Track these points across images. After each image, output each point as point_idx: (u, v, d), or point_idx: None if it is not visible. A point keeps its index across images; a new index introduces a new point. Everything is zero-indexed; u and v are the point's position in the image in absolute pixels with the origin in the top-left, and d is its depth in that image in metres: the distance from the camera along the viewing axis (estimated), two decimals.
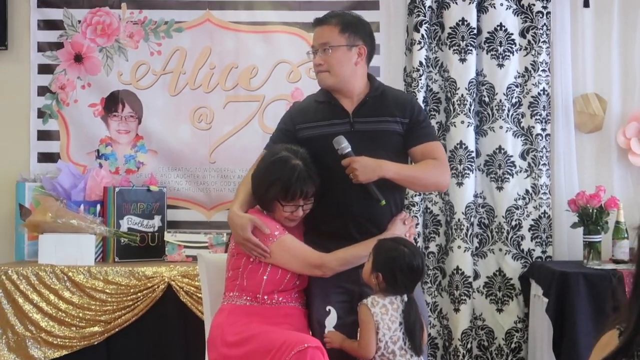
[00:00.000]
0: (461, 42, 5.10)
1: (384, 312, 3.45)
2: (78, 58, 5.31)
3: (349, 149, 3.60)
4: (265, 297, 3.64)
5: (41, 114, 5.31)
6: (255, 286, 3.65)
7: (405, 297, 3.50)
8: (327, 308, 3.62)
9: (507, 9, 5.14)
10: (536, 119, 5.11)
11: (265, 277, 3.64)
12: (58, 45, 5.32)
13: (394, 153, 3.71)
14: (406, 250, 3.49)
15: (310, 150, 3.70)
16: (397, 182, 3.68)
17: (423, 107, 5.04)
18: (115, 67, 5.31)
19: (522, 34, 5.17)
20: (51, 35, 5.32)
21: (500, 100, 5.13)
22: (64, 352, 4.66)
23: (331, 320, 3.59)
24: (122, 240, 4.99)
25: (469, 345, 5.05)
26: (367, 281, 3.54)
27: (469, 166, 5.07)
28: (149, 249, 5.07)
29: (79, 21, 5.31)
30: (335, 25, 3.74)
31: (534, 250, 5.09)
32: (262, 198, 3.69)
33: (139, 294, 4.68)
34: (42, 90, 5.31)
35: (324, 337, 3.55)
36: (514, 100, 5.14)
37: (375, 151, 3.64)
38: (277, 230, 3.65)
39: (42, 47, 5.32)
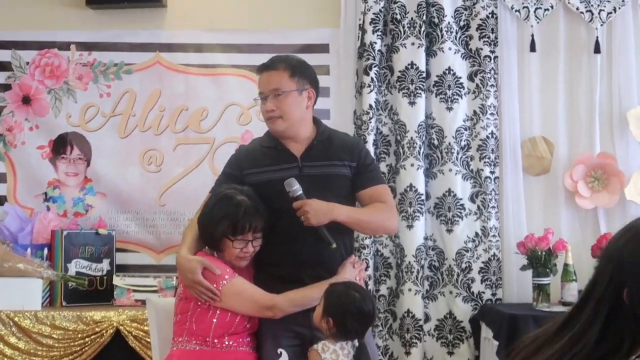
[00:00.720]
0: (410, 85, 5.14)
1: (334, 358, 3.43)
2: (26, 100, 5.26)
3: (301, 192, 3.61)
4: (216, 341, 3.62)
5: None
6: (205, 330, 3.62)
7: (356, 342, 3.49)
8: (279, 351, 3.60)
9: (455, 53, 5.19)
10: (485, 162, 5.15)
11: (214, 320, 3.62)
12: (6, 87, 5.27)
13: (343, 197, 3.73)
14: (357, 295, 3.48)
15: (259, 196, 3.70)
16: (348, 226, 3.70)
17: (373, 149, 5.08)
18: (64, 109, 5.27)
19: (471, 78, 5.22)
20: None
21: (450, 143, 5.16)
22: None
23: None
24: (70, 284, 4.92)
25: None
26: (318, 325, 3.53)
27: (419, 209, 5.09)
28: (98, 292, 5.01)
29: (27, 63, 5.27)
30: (284, 70, 3.75)
31: (484, 292, 5.11)
32: (211, 237, 3.68)
33: (87, 339, 4.61)
34: None
35: None
36: (462, 143, 5.18)
37: (324, 195, 3.65)
38: (227, 274, 3.63)
39: None
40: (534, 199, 5.27)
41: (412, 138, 5.11)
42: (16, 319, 4.61)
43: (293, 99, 3.74)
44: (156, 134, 5.29)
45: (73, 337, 4.60)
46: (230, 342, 3.64)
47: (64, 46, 5.29)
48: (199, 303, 3.63)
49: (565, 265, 4.80)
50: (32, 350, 4.58)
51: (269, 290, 3.64)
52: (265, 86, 3.77)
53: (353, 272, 3.74)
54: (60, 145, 5.27)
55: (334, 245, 3.63)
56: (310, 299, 3.59)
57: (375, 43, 5.13)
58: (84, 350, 4.60)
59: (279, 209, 3.65)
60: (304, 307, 3.62)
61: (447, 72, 5.20)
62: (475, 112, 5.20)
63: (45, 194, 5.26)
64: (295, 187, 3.62)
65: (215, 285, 3.59)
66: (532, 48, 5.22)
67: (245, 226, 3.61)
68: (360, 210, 3.78)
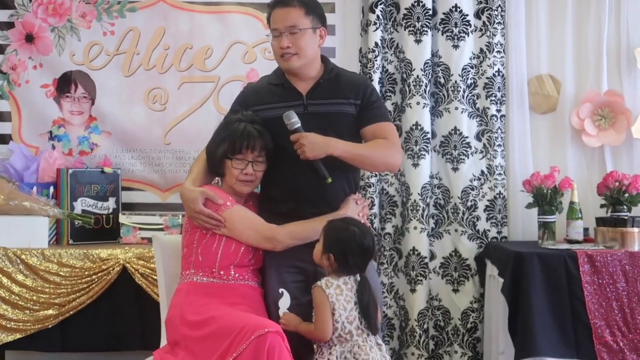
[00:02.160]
0: (417, 23, 5.10)
1: (338, 293, 3.45)
2: (29, 38, 5.23)
3: (299, 125, 3.62)
4: (222, 272, 3.65)
5: None
6: (211, 261, 3.66)
7: (358, 277, 3.50)
8: (280, 290, 3.62)
9: None
10: (491, 100, 5.13)
11: (219, 251, 3.65)
12: (9, 25, 5.23)
13: (347, 135, 3.72)
14: (356, 230, 3.50)
15: None
16: (346, 161, 3.67)
17: (378, 88, 5.07)
18: (68, 47, 5.24)
19: (477, 15, 5.18)
20: (1, 15, 5.23)
21: (456, 82, 5.14)
22: (18, 336, 4.59)
23: (284, 302, 3.59)
24: (76, 223, 4.94)
25: (425, 326, 5.06)
26: (319, 263, 3.55)
27: (425, 147, 5.08)
28: (104, 231, 5.02)
29: (30, 0, 5.22)
30: (299, 7, 3.74)
31: (489, 230, 5.12)
32: (214, 161, 3.73)
33: (94, 277, 4.62)
34: None
35: (280, 320, 3.55)
36: (469, 82, 5.16)
37: (328, 133, 3.66)
38: (229, 202, 3.67)
39: None
40: (540, 137, 5.26)
41: (418, 76, 5.08)
42: (23, 256, 4.62)
43: (308, 37, 3.73)
44: (160, 72, 5.27)
45: (80, 274, 4.62)
46: (236, 275, 3.67)
47: None
48: (204, 232, 3.68)
49: (571, 203, 4.80)
50: (40, 288, 4.60)
51: None
52: (280, 22, 3.74)
53: (356, 208, 3.74)
54: (65, 84, 5.25)
55: (329, 180, 3.63)
56: (311, 232, 3.61)
57: None
58: (91, 287, 4.62)
59: (282, 145, 3.67)
60: (304, 241, 3.64)
61: (453, 9, 5.16)
62: (481, 50, 5.17)
63: (50, 132, 5.25)
64: (293, 119, 3.62)
65: (217, 213, 3.62)
66: None
67: (242, 144, 3.65)
68: (358, 146, 3.74)
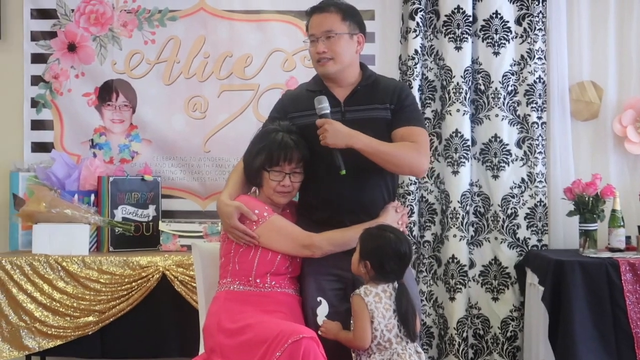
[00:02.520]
0: (457, 30, 5.08)
1: (377, 301, 3.45)
2: (71, 47, 5.28)
3: (327, 111, 3.62)
4: (258, 281, 3.66)
5: (35, 103, 5.29)
6: (247, 270, 3.67)
7: (396, 284, 3.49)
8: (318, 299, 3.61)
9: None
10: (532, 107, 5.10)
11: (256, 260, 3.66)
12: (51, 35, 5.29)
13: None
14: (392, 237, 3.49)
15: (303, 139, 3.72)
16: (367, 156, 3.61)
17: (418, 95, 5.06)
18: (109, 56, 5.29)
19: (518, 22, 5.15)
20: (44, 25, 5.29)
21: (496, 89, 5.11)
22: (58, 342, 4.65)
23: (323, 310, 3.59)
24: (117, 230, 4.97)
25: (464, 334, 5.03)
26: (356, 272, 3.55)
27: (465, 155, 5.06)
28: (144, 238, 5.05)
29: (72, 10, 5.28)
30: (336, 13, 3.75)
31: (529, 238, 5.08)
32: (251, 172, 3.74)
33: (134, 284, 4.66)
34: (36, 80, 5.29)
35: (319, 327, 3.55)
36: (509, 89, 5.13)
37: None
38: (266, 212, 3.68)
39: (35, 37, 5.29)
40: (581, 145, 5.21)
41: (458, 83, 5.06)
42: (64, 263, 4.66)
43: (345, 42, 3.74)
44: (201, 80, 5.30)
45: (120, 281, 4.65)
46: (273, 283, 3.67)
47: None
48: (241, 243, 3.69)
49: (613, 211, 4.75)
50: (80, 295, 4.64)
51: None
52: (316, 28, 3.75)
53: (395, 216, 3.73)
54: (106, 92, 5.30)
55: (344, 172, 3.57)
56: (349, 239, 3.60)
57: None
58: (130, 294, 4.65)
59: (321, 153, 3.65)
60: (343, 248, 3.63)
61: (494, 16, 5.13)
62: (522, 57, 5.13)
63: (92, 140, 5.30)
64: (323, 104, 3.62)
65: (252, 227, 3.64)
66: None
67: (280, 156, 3.66)
68: (383, 143, 3.66)
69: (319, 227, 3.69)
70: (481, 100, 5.15)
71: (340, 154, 3.58)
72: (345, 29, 3.74)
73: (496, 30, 5.13)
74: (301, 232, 3.68)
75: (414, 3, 5.08)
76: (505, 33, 5.12)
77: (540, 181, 5.08)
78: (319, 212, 3.74)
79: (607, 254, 4.61)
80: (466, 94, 5.07)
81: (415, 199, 5.11)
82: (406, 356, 3.44)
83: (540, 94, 5.11)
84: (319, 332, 3.52)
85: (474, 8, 5.13)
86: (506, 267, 5.09)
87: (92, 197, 5.02)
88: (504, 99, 5.11)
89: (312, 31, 3.77)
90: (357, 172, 3.62)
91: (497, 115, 5.11)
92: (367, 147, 3.60)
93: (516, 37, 5.15)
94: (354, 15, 3.80)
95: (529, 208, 5.08)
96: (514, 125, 5.13)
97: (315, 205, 3.75)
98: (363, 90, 3.78)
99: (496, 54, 5.13)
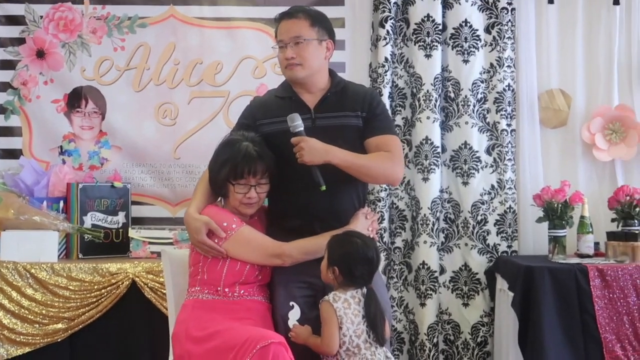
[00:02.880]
0: (427, 38, 5.11)
1: (346, 307, 3.45)
2: (40, 54, 5.26)
3: (301, 128, 3.61)
4: (227, 290, 3.64)
5: (3, 109, 5.26)
6: (216, 279, 3.65)
7: (365, 290, 3.50)
8: (291, 303, 3.61)
9: (472, 5, 5.15)
10: (501, 115, 5.12)
11: (225, 270, 3.65)
12: (20, 41, 5.26)
13: (355, 147, 3.70)
14: (359, 242, 3.51)
15: (272, 146, 3.71)
16: (344, 170, 3.63)
17: (388, 102, 5.08)
18: (78, 62, 5.27)
19: (487, 30, 5.18)
20: (13, 31, 5.27)
21: (466, 96, 5.14)
22: (27, 349, 4.61)
23: (294, 315, 3.58)
24: (86, 237, 4.94)
25: (435, 340, 5.04)
26: (325, 279, 3.55)
27: (435, 161, 5.08)
28: (113, 245, 5.03)
29: (41, 17, 5.26)
30: (304, 19, 3.75)
31: (499, 244, 5.10)
32: (216, 183, 3.71)
33: (103, 291, 4.63)
34: (4, 86, 5.27)
35: (290, 332, 3.55)
36: (479, 96, 5.15)
37: (336, 146, 3.63)
38: (235, 224, 3.66)
39: (3, 43, 5.27)
40: (550, 152, 5.25)
41: (428, 91, 5.08)
42: (33, 270, 4.63)
43: (313, 48, 3.73)
44: (171, 87, 5.29)
45: (89, 288, 4.62)
46: (242, 292, 3.66)
47: (78, 0, 5.27)
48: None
49: (582, 217, 4.78)
50: (49, 302, 4.61)
51: (281, 242, 3.66)
52: (285, 34, 3.75)
53: (365, 223, 3.72)
54: (75, 99, 5.28)
55: (324, 188, 3.58)
56: (320, 247, 3.59)
57: None
58: (100, 301, 4.62)
59: (290, 159, 3.63)
60: (314, 256, 3.62)
61: (463, 24, 5.16)
62: (492, 65, 5.16)
63: (61, 147, 5.27)
64: (297, 122, 3.61)
65: (219, 242, 3.62)
66: (550, 0, 5.17)
67: (244, 169, 3.63)
68: (359, 156, 3.68)
69: (290, 234, 3.67)
70: (451, 108, 5.17)
71: (319, 169, 3.58)
72: (314, 35, 3.73)
73: (466, 38, 5.16)
74: (271, 241, 3.66)
75: (383, 11, 5.10)
76: (475, 41, 5.15)
77: (510, 188, 5.11)
78: (290, 220, 3.72)
79: (576, 260, 4.64)
80: (436, 101, 5.09)
81: (385, 205, 5.13)
82: None
83: (509, 102, 5.14)
84: (290, 336, 3.51)
85: (443, 16, 5.15)
86: (476, 273, 5.11)
87: (61, 203, 4.99)
88: (474, 106, 5.14)
89: (281, 37, 3.77)
90: (328, 181, 3.61)
91: (467, 123, 5.14)
92: (343, 162, 3.61)
93: (485, 45, 5.18)
94: (322, 22, 3.80)
95: (498, 214, 5.11)
96: (483, 133, 5.15)
97: (286, 213, 3.73)
98: (333, 97, 3.78)
99: (466, 61, 5.16)
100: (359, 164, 3.65)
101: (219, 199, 3.80)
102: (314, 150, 3.57)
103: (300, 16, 3.75)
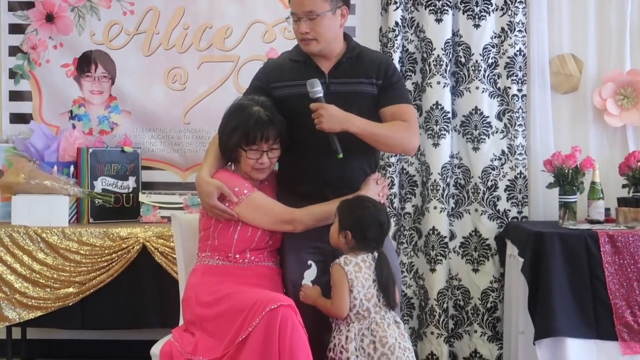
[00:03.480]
0: (437, 2, 5.07)
1: (357, 270, 3.46)
2: (49, 18, 5.24)
3: (321, 94, 3.58)
4: (237, 256, 3.65)
5: (12, 74, 5.26)
6: (227, 245, 3.65)
7: (375, 254, 3.50)
8: (309, 262, 3.61)
9: None
10: (512, 80, 5.10)
11: (235, 236, 3.65)
12: (29, 5, 5.25)
13: (369, 114, 3.68)
14: (370, 206, 3.52)
15: (285, 110, 3.69)
16: (362, 138, 3.62)
17: (399, 67, 5.04)
18: (88, 26, 5.26)
19: None
20: None
21: (477, 61, 5.11)
22: (39, 313, 4.64)
23: (310, 275, 3.59)
24: (97, 202, 4.96)
25: (444, 305, 5.06)
26: (335, 244, 3.56)
27: (445, 127, 5.06)
28: (124, 210, 5.05)
29: None
30: None
31: (509, 210, 5.09)
32: (227, 148, 3.69)
33: (114, 255, 4.65)
34: (14, 51, 5.26)
35: (299, 291, 3.56)
36: (490, 61, 5.12)
37: (350, 112, 3.61)
38: (246, 189, 3.65)
39: (12, 7, 5.26)
40: (561, 117, 5.22)
41: (438, 56, 5.06)
42: (44, 235, 4.65)
43: (327, 20, 3.66)
44: (180, 52, 5.27)
45: (100, 252, 4.64)
46: (252, 258, 3.66)
47: None
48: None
49: (593, 183, 4.76)
50: (60, 266, 4.63)
51: (292, 207, 3.65)
52: (298, 7, 3.68)
53: (376, 188, 3.71)
54: (85, 63, 5.27)
55: (341, 155, 3.57)
56: (331, 213, 3.58)
57: None
58: (111, 265, 4.64)
59: (304, 125, 3.62)
60: (324, 222, 3.61)
61: None
62: (503, 29, 5.13)
63: (71, 111, 5.27)
64: (316, 88, 3.58)
65: (230, 207, 3.61)
66: None
67: (257, 135, 3.60)
68: (377, 125, 3.68)
69: (301, 200, 3.67)
70: (462, 73, 5.14)
71: (336, 137, 3.57)
72: (327, 6, 3.65)
73: (477, 2, 5.12)
74: (282, 207, 3.66)
75: None
76: (486, 5, 5.11)
77: (521, 153, 5.09)
78: (301, 186, 3.71)
79: (587, 226, 4.62)
80: (447, 66, 5.06)
81: (395, 171, 5.12)
82: (384, 325, 3.46)
83: (520, 67, 5.11)
84: (299, 295, 3.54)
85: None
86: (486, 239, 5.11)
87: (72, 168, 5.00)
88: (485, 71, 5.11)
89: (294, 9, 3.69)
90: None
91: (477, 88, 5.11)
92: (362, 130, 3.60)
93: (496, 10, 5.14)
94: None
95: (509, 180, 5.10)
96: (494, 98, 5.13)
97: (298, 178, 3.72)
98: (348, 63, 3.74)
99: (477, 26, 5.12)
100: (377, 133, 3.64)
101: (230, 163, 3.78)
102: (334, 118, 3.55)
103: None
